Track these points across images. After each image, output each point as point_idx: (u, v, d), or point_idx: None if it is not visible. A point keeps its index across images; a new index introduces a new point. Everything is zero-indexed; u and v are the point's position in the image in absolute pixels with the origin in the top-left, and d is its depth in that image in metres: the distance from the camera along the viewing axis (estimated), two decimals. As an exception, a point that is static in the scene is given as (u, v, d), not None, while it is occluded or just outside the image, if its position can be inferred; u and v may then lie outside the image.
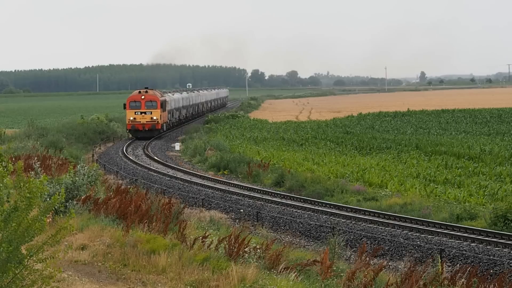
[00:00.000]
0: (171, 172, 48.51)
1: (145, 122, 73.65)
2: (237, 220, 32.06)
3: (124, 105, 75.57)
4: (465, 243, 26.03)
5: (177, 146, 66.44)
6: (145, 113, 73.69)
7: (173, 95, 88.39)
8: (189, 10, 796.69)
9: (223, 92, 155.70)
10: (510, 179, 40.56)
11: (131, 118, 73.78)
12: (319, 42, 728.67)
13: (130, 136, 76.11)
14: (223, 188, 40.76)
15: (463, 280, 17.16)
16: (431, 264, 19.96)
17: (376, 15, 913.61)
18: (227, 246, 18.24)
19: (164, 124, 77.70)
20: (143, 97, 73.84)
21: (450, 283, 16.77)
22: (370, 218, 30.73)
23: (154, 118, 73.86)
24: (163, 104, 75.83)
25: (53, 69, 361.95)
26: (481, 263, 23.49)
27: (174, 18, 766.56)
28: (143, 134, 73.76)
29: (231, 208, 34.60)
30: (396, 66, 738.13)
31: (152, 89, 78.11)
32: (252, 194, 38.45)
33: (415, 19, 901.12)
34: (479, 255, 24.35)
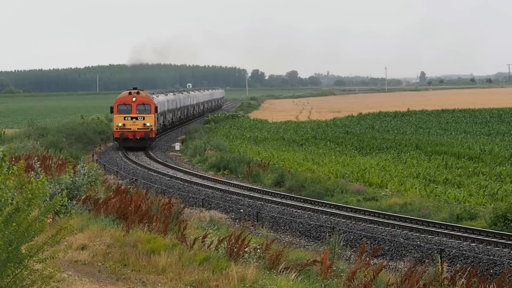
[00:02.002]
0: (171, 172, 48.52)
1: (136, 130, 62.28)
2: (237, 220, 32.06)
3: (111, 108, 64.06)
4: (465, 243, 26.03)
5: (177, 146, 66.39)
6: (136, 118, 62.32)
7: (157, 97, 76.05)
8: (189, 6, 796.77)
9: (218, 93, 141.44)
10: (510, 179, 40.57)
11: (120, 125, 62.28)
12: (320, 40, 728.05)
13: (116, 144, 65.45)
14: (223, 188, 40.76)
15: (463, 280, 17.17)
16: (431, 264, 19.97)
17: (386, 15, 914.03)
18: (227, 246, 18.24)
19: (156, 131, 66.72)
20: (134, 99, 62.59)
21: (450, 283, 16.78)
22: (370, 218, 30.74)
23: (148, 124, 62.36)
24: (157, 108, 65.88)
25: (53, 69, 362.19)
26: (481, 263, 23.49)
27: (171, 16, 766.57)
28: (133, 143, 62.67)
29: (231, 208, 34.60)
30: (396, 66, 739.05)
31: (143, 90, 66.80)
32: (252, 194, 38.45)
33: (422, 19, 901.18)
34: (479, 255, 24.35)
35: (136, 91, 64.28)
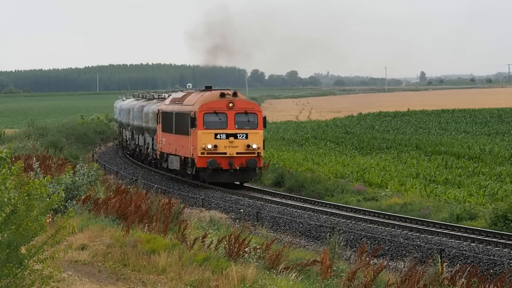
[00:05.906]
0: (171, 172, 48.30)
1: (235, 155, 38.76)
2: (237, 220, 32.05)
3: (192, 119, 39.17)
4: (465, 243, 26.02)
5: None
6: (235, 136, 38.85)
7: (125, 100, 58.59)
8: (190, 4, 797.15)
9: None
10: (510, 179, 40.55)
11: (209, 147, 38.56)
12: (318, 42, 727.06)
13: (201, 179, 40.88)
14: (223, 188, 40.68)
15: (463, 280, 17.16)
16: (431, 264, 19.96)
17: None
18: (227, 246, 18.24)
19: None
20: (231, 105, 39.10)
21: (450, 283, 16.78)
22: (370, 218, 30.72)
23: (254, 146, 38.85)
24: (265, 120, 40.43)
25: (53, 69, 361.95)
26: (481, 263, 23.47)
27: (169, 14, 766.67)
28: (229, 177, 39.30)
29: (231, 208, 34.59)
30: (396, 66, 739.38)
31: (238, 91, 41.02)
32: (252, 194, 38.41)
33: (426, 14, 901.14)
34: (479, 255, 24.34)
35: (230, 92, 40.53)
